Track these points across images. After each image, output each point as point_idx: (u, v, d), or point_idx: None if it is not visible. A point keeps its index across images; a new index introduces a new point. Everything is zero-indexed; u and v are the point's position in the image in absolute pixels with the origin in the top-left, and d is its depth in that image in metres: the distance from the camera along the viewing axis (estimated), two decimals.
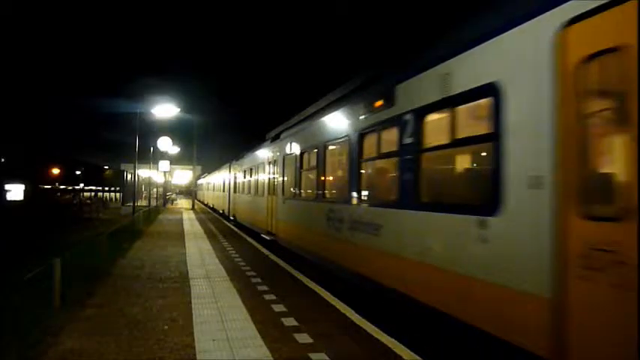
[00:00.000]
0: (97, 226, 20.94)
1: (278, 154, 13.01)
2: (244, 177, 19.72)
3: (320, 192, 8.94)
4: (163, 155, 39.74)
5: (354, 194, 7.14)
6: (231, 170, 24.64)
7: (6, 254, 11.65)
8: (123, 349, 4.76)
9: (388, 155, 6.25)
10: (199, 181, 59.80)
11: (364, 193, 7.05)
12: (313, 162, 9.55)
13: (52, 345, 4.82)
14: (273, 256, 11.50)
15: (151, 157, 39.03)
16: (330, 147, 8.72)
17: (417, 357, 4.62)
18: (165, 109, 25.50)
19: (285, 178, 12.07)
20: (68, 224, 22.97)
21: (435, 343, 4.92)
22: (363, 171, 7.07)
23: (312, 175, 9.61)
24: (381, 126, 6.33)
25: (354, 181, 7.18)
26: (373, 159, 6.80)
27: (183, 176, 65.48)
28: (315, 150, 9.35)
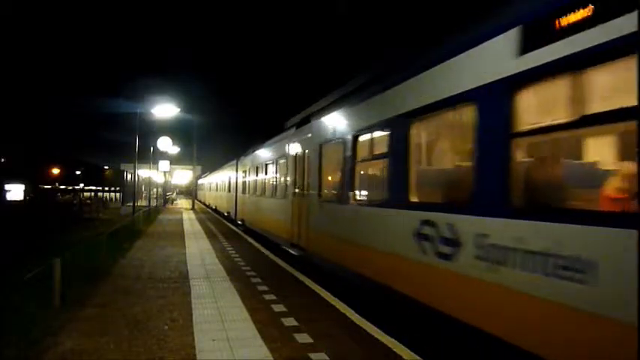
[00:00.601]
0: (97, 226, 20.95)
1: (309, 142, 9.75)
2: (256, 175, 16.66)
3: (400, 193, 5.62)
4: (163, 155, 39.76)
5: (506, 199, 3.86)
6: (239, 168, 21.87)
7: (6, 254, 11.66)
8: (123, 349, 4.76)
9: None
10: (200, 181, 59.18)
11: (536, 197, 3.87)
12: (382, 148, 6.29)
13: (51, 345, 4.82)
14: (272, 256, 11.49)
15: (150, 157, 39.06)
16: (421, 122, 5.52)
17: (417, 357, 4.62)
18: (165, 109, 25.49)
19: (323, 174, 8.92)
20: (68, 224, 22.98)
21: (435, 343, 4.92)
22: (523, 157, 4.03)
23: (381, 169, 6.50)
24: (594, 57, 3.18)
25: (501, 175, 3.92)
26: (566, 126, 3.50)
27: (183, 176, 65.51)
28: (388, 130, 6.05)
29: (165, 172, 45.44)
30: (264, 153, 15.54)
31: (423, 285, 5.08)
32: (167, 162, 40.18)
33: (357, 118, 7.36)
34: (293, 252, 10.48)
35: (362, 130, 7.07)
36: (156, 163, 39.33)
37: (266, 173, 14.94)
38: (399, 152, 5.72)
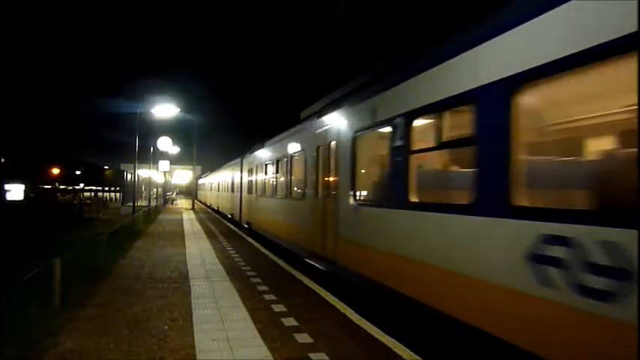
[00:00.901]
0: (96, 226, 20.95)
1: (338, 132, 8.01)
2: (265, 173, 14.99)
3: (498, 193, 3.91)
4: (163, 155, 39.80)
5: None
6: (244, 166, 20.07)
7: (6, 254, 11.66)
8: (123, 349, 4.76)
9: None
10: (201, 181, 58.82)
11: None
12: (461, 131, 4.66)
13: (51, 345, 4.82)
14: (273, 256, 11.49)
15: (150, 157, 39.08)
16: (549, 88, 3.79)
17: (417, 357, 4.62)
18: (165, 109, 25.50)
19: (359, 171, 7.23)
20: (68, 224, 22.97)
21: (435, 343, 4.92)
22: None
23: (458, 160, 5.18)
24: None
25: None
26: None
27: (183, 176, 65.52)
28: (476, 106, 4.28)
29: (165, 172, 45.44)
30: (275, 148, 13.67)
31: (554, 341, 3.29)
32: (167, 162, 40.21)
33: (413, 96, 5.44)
34: (317, 264, 8.63)
35: (422, 111, 5.25)
36: (156, 163, 39.35)
37: (277, 171, 13.21)
38: (495, 135, 3.95)
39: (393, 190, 5.85)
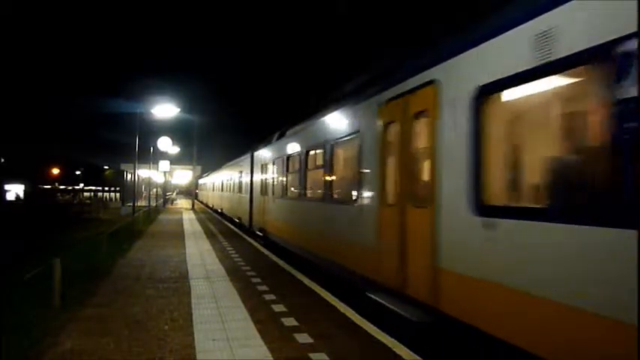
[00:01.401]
0: (97, 226, 20.95)
1: (438, 96, 4.93)
2: (287, 169, 11.85)
3: None
4: (163, 155, 39.81)
5: None
6: (255, 162, 17.12)
7: (6, 254, 11.67)
8: (123, 349, 4.76)
9: None
10: (202, 180, 58.09)
11: None
12: None
13: (52, 345, 4.82)
14: (273, 256, 11.50)
15: (150, 157, 39.10)
16: None
17: (417, 357, 4.62)
18: (165, 109, 25.48)
19: (494, 159, 4.13)
20: (68, 224, 22.97)
21: (434, 343, 4.91)
22: None
23: None
24: None
25: None
26: None
27: (183, 176, 65.58)
28: None
29: (165, 172, 45.46)
30: (303, 136, 10.56)
31: None
32: (167, 162, 40.24)
33: None
34: (395, 308, 5.42)
35: None
36: (156, 163, 39.38)
37: (307, 166, 10.11)
38: None
39: (608, 192, 2.97)
